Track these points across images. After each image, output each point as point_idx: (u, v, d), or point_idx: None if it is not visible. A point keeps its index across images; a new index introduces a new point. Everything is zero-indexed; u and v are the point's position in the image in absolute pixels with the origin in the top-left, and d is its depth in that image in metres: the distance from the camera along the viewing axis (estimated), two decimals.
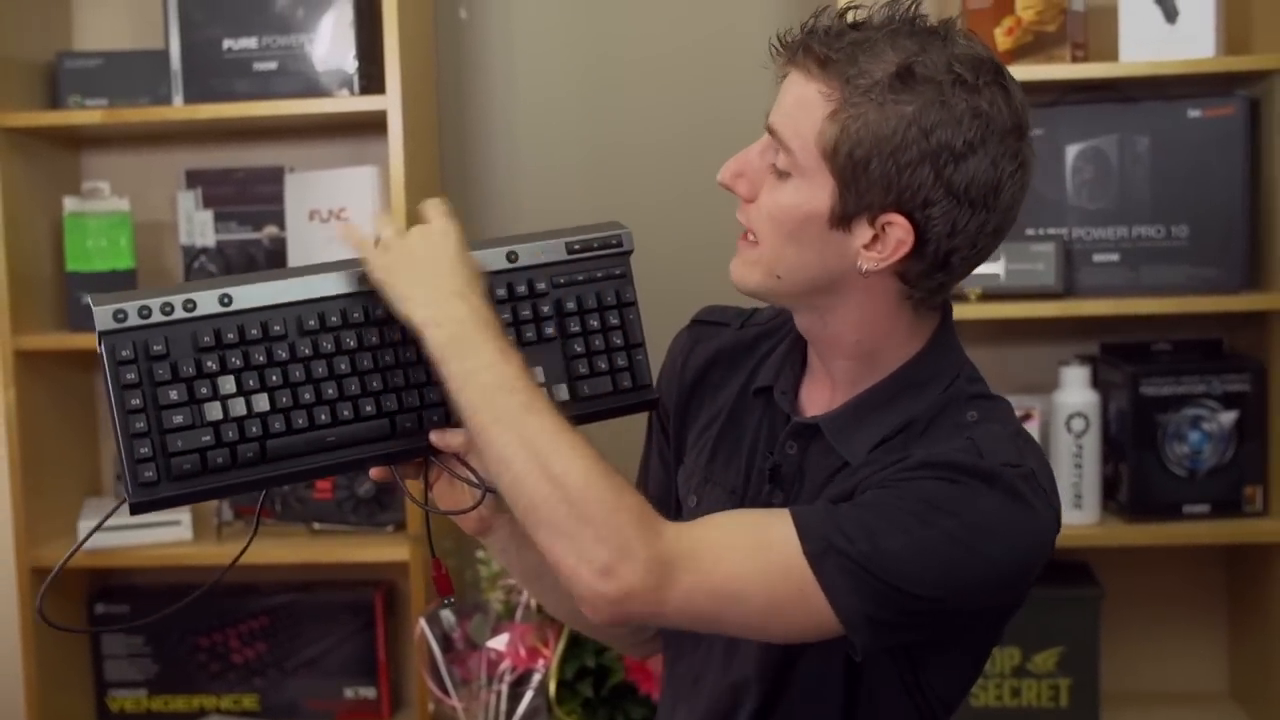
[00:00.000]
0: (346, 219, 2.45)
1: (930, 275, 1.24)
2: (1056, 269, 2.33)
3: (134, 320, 1.22)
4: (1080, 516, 2.35)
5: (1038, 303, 2.33)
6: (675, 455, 1.47)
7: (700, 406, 1.44)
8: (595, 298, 1.35)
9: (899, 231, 1.20)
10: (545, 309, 1.33)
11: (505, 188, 2.66)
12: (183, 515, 2.51)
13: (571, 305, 1.34)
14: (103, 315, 1.22)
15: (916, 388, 1.29)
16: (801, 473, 1.32)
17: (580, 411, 1.33)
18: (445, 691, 2.36)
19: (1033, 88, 2.34)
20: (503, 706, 2.32)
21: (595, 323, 1.35)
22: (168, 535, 2.50)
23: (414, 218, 2.37)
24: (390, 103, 2.36)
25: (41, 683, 2.49)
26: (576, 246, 1.36)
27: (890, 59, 1.19)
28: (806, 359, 1.37)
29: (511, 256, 1.34)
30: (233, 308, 1.26)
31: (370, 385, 1.28)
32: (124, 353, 1.22)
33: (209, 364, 1.24)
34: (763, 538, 1.20)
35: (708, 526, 1.23)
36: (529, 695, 2.31)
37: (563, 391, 1.33)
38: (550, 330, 1.33)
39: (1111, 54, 2.34)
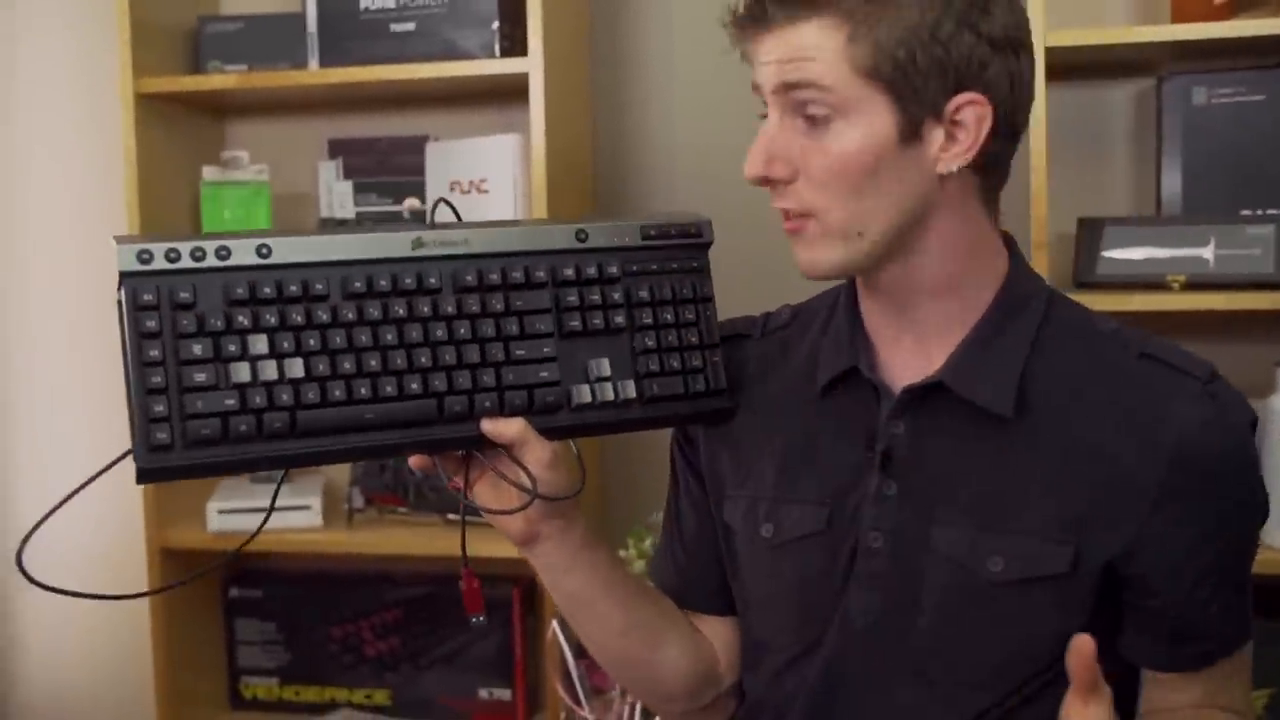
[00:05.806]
0: (486, 191, 2.30)
1: (1005, 150, 1.17)
2: (1276, 254, 2.09)
3: (160, 263, 1.09)
4: None
5: (1253, 293, 2.10)
6: (714, 491, 1.32)
7: (739, 427, 1.30)
8: (670, 289, 1.25)
9: (974, 110, 1.12)
10: (615, 296, 1.23)
11: (662, 162, 2.47)
12: (313, 500, 2.42)
13: (644, 295, 1.24)
14: (125, 255, 1.09)
15: (1019, 306, 1.21)
16: (917, 454, 1.19)
17: (647, 415, 1.23)
18: (577, 700, 2.22)
19: (1251, 46, 2.09)
20: None
21: (669, 316, 1.25)
22: (298, 520, 2.41)
23: (555, 192, 2.26)
24: (532, 65, 2.20)
25: (171, 665, 2.45)
26: (653, 232, 1.26)
27: None
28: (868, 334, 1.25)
29: (580, 236, 1.23)
30: (271, 260, 1.12)
31: (418, 360, 1.14)
32: (146, 297, 1.08)
33: (240, 319, 1.10)
34: None
35: None
36: None
37: (629, 389, 1.21)
38: (619, 320, 1.22)
39: None
